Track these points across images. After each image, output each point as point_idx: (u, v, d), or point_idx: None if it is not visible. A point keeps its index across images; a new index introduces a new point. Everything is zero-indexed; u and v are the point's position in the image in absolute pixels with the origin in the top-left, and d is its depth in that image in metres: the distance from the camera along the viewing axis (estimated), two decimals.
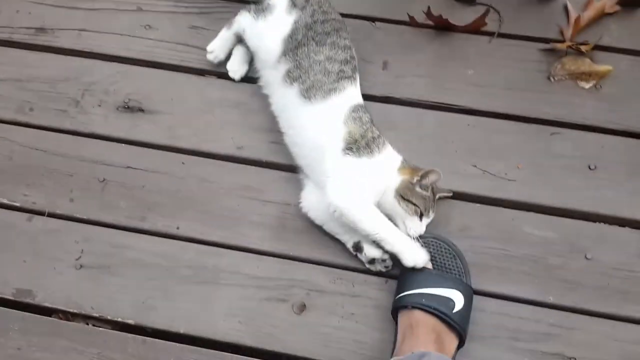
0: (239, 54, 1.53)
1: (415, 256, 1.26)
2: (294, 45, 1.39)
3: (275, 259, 1.38)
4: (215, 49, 1.53)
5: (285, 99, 1.39)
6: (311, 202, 1.37)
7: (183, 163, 1.48)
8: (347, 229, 1.33)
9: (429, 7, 1.52)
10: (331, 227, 1.36)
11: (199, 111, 1.53)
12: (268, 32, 1.44)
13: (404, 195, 1.29)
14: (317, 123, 1.34)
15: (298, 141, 1.37)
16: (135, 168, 1.48)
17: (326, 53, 1.38)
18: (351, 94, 1.38)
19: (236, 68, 1.53)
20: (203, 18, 1.63)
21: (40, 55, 1.64)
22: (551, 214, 1.39)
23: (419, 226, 1.30)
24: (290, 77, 1.37)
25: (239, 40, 1.52)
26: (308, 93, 1.34)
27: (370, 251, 1.32)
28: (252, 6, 1.49)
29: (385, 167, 1.32)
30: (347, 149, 1.31)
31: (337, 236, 1.36)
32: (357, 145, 1.31)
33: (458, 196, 1.41)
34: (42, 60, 1.63)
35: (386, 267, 1.33)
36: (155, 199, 1.45)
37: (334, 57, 1.38)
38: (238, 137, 1.49)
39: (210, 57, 1.53)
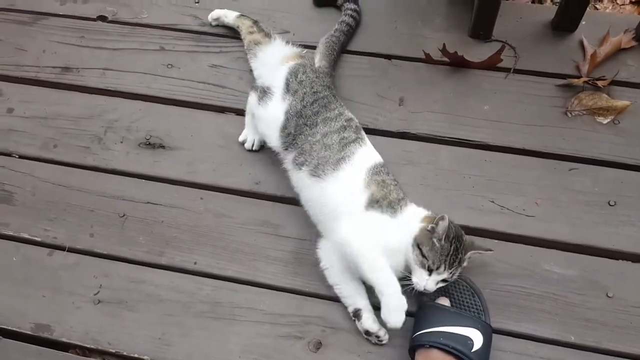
0: (248, 122, 1.53)
1: (392, 316, 1.19)
2: (290, 137, 1.39)
3: (291, 294, 1.38)
4: (247, 135, 1.53)
5: (299, 181, 1.38)
6: (326, 251, 1.36)
7: (201, 198, 1.50)
8: (353, 291, 1.32)
9: (444, 44, 1.54)
10: (341, 284, 1.34)
11: (217, 147, 1.56)
12: (268, 122, 1.43)
13: (420, 244, 1.25)
14: (335, 195, 1.32)
15: (319, 212, 1.36)
16: (155, 203, 1.50)
17: (321, 131, 1.37)
18: (363, 155, 1.36)
19: (250, 138, 1.53)
20: (222, 57, 1.67)
21: (65, 94, 1.68)
22: (571, 250, 1.38)
23: (424, 281, 1.23)
24: (297, 163, 1.37)
25: None
26: (317, 171, 1.33)
27: (367, 323, 1.30)
28: (258, 86, 1.49)
29: (407, 225, 1.28)
30: (369, 206, 1.29)
31: (342, 298, 1.34)
32: (380, 204, 1.29)
33: (476, 232, 1.40)
34: (67, 98, 1.68)
35: (380, 341, 1.31)
36: (174, 234, 1.46)
37: (329, 130, 1.37)
38: (255, 172, 1.51)
39: (247, 146, 1.53)
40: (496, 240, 1.40)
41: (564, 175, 1.45)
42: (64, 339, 1.39)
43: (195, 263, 1.43)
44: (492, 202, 1.43)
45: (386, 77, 1.61)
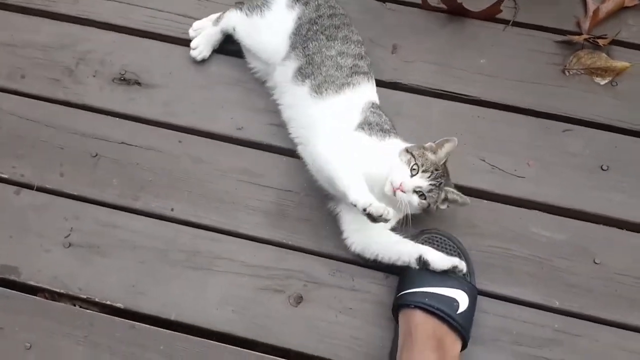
0: (206, 35, 1.46)
1: (358, 195, 1.12)
2: (302, 42, 1.32)
3: (273, 247, 1.32)
4: (199, 44, 1.46)
5: (295, 98, 1.32)
6: (354, 233, 1.28)
7: (180, 141, 1.42)
8: (396, 246, 1.23)
9: None
10: (385, 253, 1.25)
11: (198, 87, 1.46)
12: (267, 28, 1.37)
13: (408, 149, 1.22)
14: (330, 117, 1.27)
15: (306, 132, 1.30)
16: (130, 144, 1.42)
17: (338, 48, 1.32)
18: (367, 90, 1.32)
19: (201, 49, 1.46)
20: None
21: (35, 20, 1.57)
22: (560, 214, 1.35)
23: (405, 177, 1.17)
24: (302, 74, 1.30)
25: (226, 37, 1.46)
26: (320, 89, 1.27)
27: (441, 263, 1.20)
28: (245, 4, 1.41)
29: (393, 151, 1.23)
30: (359, 127, 1.25)
31: (397, 262, 1.24)
32: (371, 127, 1.25)
33: (465, 191, 1.34)
34: (37, 25, 1.56)
35: (461, 272, 1.22)
36: (150, 178, 1.39)
37: (347, 51, 1.32)
38: (238, 117, 1.43)
39: (193, 53, 1.46)
40: (485, 201, 1.36)
41: (557, 136, 1.41)
42: (32, 282, 1.32)
43: (172, 209, 1.36)
44: (483, 160, 1.39)
45: (379, 22, 1.52)
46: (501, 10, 1.49)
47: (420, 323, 1.16)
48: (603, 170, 1.38)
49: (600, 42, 1.46)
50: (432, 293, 1.18)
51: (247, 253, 1.32)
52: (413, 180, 1.18)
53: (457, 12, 1.50)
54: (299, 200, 1.35)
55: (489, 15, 1.50)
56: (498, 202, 1.36)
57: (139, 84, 1.47)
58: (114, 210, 1.36)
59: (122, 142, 1.42)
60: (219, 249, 1.32)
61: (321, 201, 1.33)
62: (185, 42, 1.50)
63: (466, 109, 1.44)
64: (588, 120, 1.42)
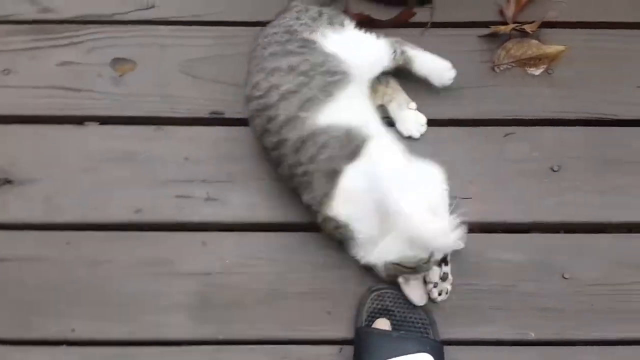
0: None
1: None
2: None
3: (204, 347, 1.13)
4: None
5: None
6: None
7: (68, 243, 1.19)
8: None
9: (345, 3, 1.28)
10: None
11: (81, 172, 1.24)
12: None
13: None
14: None
15: None
16: (7, 260, 1.19)
17: None
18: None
19: None
20: (72, 50, 1.32)
21: None
22: (516, 231, 1.20)
23: None
24: None
25: None
26: None
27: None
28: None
29: None
30: None
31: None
32: None
33: None
34: None
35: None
36: (39, 297, 1.16)
37: None
38: (134, 197, 1.22)
39: None
40: None
41: (498, 144, 1.25)
42: None
43: (73, 330, 1.14)
44: None
45: None
46: (415, 13, 1.32)
47: None
48: (554, 171, 1.23)
49: (528, 28, 1.30)
50: None
51: None
52: None
53: (368, 25, 1.30)
54: (223, 282, 1.15)
55: (403, 21, 1.32)
56: None
57: (9, 182, 1.23)
58: (5, 346, 1.14)
59: None
60: None
61: (251, 276, 1.16)
62: (57, 120, 1.27)
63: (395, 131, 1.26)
64: (528, 118, 1.27)
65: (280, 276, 1.17)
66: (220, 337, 1.13)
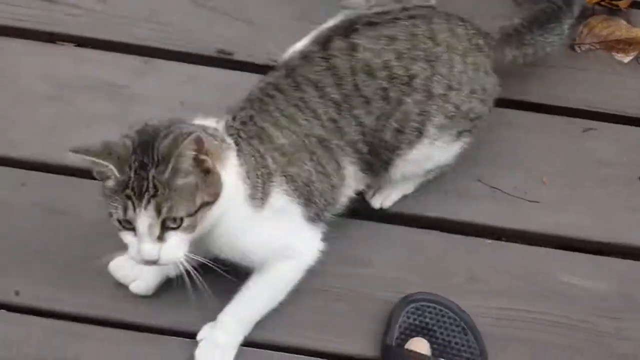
0: None
1: None
2: None
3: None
4: None
5: None
6: None
7: (23, 185, 0.95)
8: None
9: None
10: None
11: (45, 100, 1.01)
12: None
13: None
14: None
15: None
16: None
17: None
18: None
19: None
20: None
21: None
22: (596, 251, 0.96)
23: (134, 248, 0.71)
24: None
25: None
26: None
27: None
28: None
29: None
30: None
31: None
32: None
33: (458, 228, 0.95)
34: None
35: None
36: None
37: None
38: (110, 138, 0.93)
39: None
40: (488, 240, 0.95)
41: (577, 139, 1.03)
42: None
43: (17, 293, 0.88)
44: (479, 181, 0.98)
45: None
46: None
47: None
48: None
49: (620, 4, 1.10)
50: None
51: None
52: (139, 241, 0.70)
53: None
54: None
55: None
56: (507, 240, 0.96)
57: None
58: None
59: None
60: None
61: None
62: (23, 33, 1.06)
63: None
64: (614, 113, 1.06)
65: None
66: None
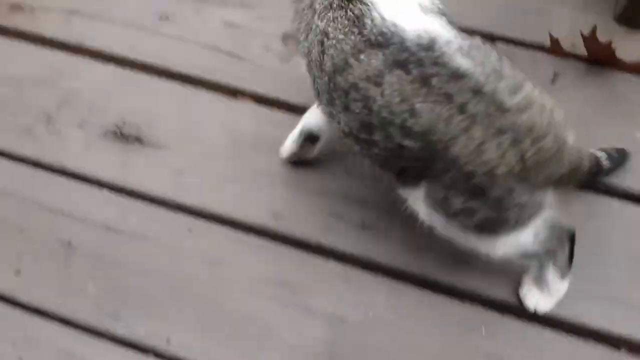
0: None
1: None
2: None
3: None
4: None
5: None
6: None
7: (190, 230, 0.99)
8: None
9: (594, 28, 1.00)
10: None
11: (224, 151, 1.05)
12: None
13: None
14: None
15: None
16: (117, 230, 1.00)
17: None
18: None
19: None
20: (243, 12, 1.18)
21: (9, 44, 1.19)
22: None
23: None
24: None
25: None
26: None
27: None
28: None
29: None
30: None
31: None
32: None
33: None
34: (10, 49, 1.18)
35: None
36: (138, 285, 0.95)
37: None
38: (277, 199, 1.00)
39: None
40: None
41: None
42: None
43: (168, 341, 0.91)
44: None
45: None
46: None
47: None
48: None
49: None
50: None
51: None
52: None
53: (603, 61, 1.04)
54: (356, 332, 0.89)
55: None
56: None
57: (140, 141, 1.07)
58: (84, 334, 0.92)
59: (107, 227, 1.00)
60: None
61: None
62: (209, 85, 1.11)
63: None
64: None
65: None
66: None
